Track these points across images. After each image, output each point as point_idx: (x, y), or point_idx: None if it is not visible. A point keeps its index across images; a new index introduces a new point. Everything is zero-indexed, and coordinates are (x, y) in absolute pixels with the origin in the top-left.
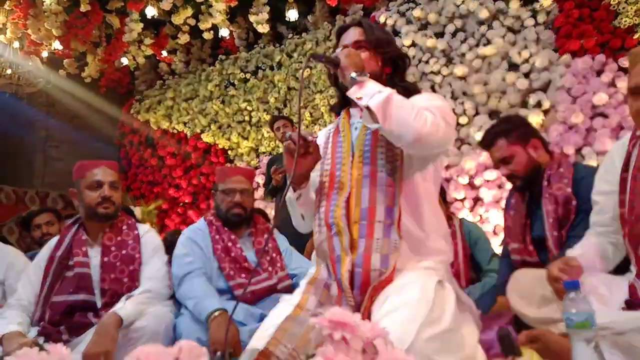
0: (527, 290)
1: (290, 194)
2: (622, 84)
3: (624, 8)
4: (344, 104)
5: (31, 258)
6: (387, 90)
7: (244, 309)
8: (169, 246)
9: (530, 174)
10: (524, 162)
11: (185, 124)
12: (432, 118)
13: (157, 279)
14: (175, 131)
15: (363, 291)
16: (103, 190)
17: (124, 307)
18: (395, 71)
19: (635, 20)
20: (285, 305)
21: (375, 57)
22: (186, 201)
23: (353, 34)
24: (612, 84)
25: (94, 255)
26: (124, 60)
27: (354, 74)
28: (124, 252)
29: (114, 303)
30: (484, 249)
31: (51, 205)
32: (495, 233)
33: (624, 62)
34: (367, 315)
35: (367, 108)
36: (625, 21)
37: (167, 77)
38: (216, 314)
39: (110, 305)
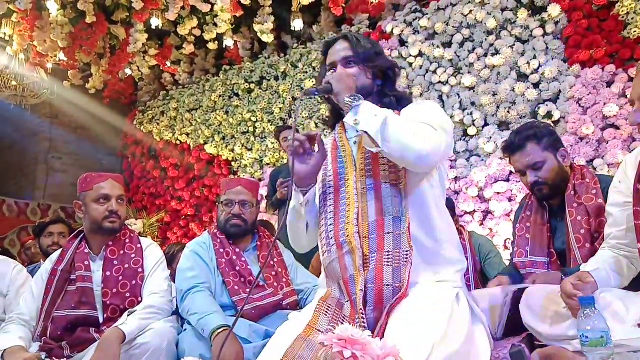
0: (540, 307)
1: (295, 202)
2: None
3: (632, 18)
4: (337, 117)
5: (32, 272)
6: (383, 114)
7: (247, 325)
8: (170, 260)
9: (559, 183)
10: (555, 169)
11: (188, 135)
12: (432, 134)
13: (159, 294)
14: (178, 142)
15: (377, 309)
16: (111, 204)
17: (126, 323)
18: (386, 82)
19: None
20: (296, 323)
21: (365, 71)
22: (188, 214)
23: (340, 49)
24: (623, 94)
25: (96, 270)
26: (128, 71)
27: (347, 99)
28: (126, 266)
29: (116, 318)
30: (495, 263)
31: (52, 217)
32: (506, 247)
33: (635, 72)
34: (382, 334)
35: (365, 133)
36: (635, 32)
37: (170, 87)
38: (220, 330)
39: (112, 321)
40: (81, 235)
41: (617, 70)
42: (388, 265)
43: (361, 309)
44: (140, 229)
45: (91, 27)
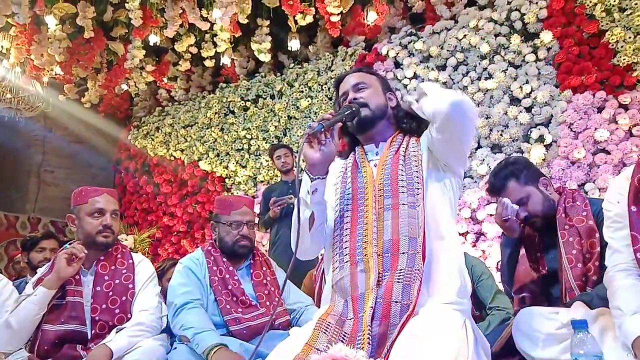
0: (532, 329)
1: (303, 193)
2: (623, 120)
3: (622, 47)
4: (353, 147)
5: (18, 287)
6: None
7: (238, 344)
8: (160, 275)
9: (548, 211)
10: (541, 200)
11: (182, 151)
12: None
13: (149, 311)
14: (172, 158)
15: (382, 323)
16: (105, 219)
17: (114, 340)
18: (399, 105)
19: (634, 58)
20: (294, 342)
21: (378, 92)
22: (180, 230)
23: (351, 79)
24: (613, 120)
25: (87, 284)
26: (124, 86)
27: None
28: (117, 281)
29: (104, 335)
30: (488, 285)
31: (41, 231)
32: (498, 269)
33: (624, 99)
34: (390, 350)
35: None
36: (624, 59)
37: (166, 103)
38: (216, 349)
39: (100, 337)
40: None
41: (607, 96)
42: (398, 282)
43: (368, 326)
44: (131, 244)
45: (89, 43)
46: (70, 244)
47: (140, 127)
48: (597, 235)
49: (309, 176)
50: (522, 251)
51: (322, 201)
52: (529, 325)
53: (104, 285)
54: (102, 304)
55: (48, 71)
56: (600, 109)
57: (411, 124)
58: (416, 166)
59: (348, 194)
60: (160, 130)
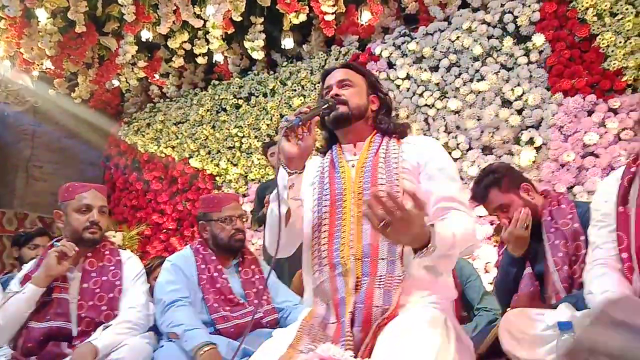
0: (519, 331)
1: (280, 187)
2: (612, 124)
3: (612, 51)
4: (332, 143)
5: (4, 283)
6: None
7: (226, 343)
8: (147, 272)
9: (532, 216)
10: (522, 206)
11: (173, 148)
12: (467, 217)
13: (137, 309)
14: (163, 155)
15: (364, 329)
16: (92, 215)
17: (100, 338)
18: (381, 109)
19: (624, 63)
20: (278, 343)
21: (360, 93)
22: (170, 227)
23: (337, 74)
24: (603, 124)
25: (73, 281)
26: (116, 82)
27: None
28: (104, 278)
29: (90, 332)
30: (476, 287)
31: (28, 227)
32: (486, 270)
33: (614, 103)
34: (368, 354)
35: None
36: (614, 64)
37: (157, 100)
38: (206, 348)
39: (85, 335)
40: None
41: (597, 100)
42: (379, 288)
43: (348, 331)
44: (119, 241)
45: (80, 37)
46: (59, 241)
47: (131, 123)
48: (583, 237)
49: (286, 171)
50: (525, 270)
51: (298, 197)
52: (516, 326)
53: (91, 282)
54: (88, 301)
55: (38, 65)
56: (590, 113)
57: (389, 124)
58: (396, 169)
59: (326, 196)
60: (151, 127)
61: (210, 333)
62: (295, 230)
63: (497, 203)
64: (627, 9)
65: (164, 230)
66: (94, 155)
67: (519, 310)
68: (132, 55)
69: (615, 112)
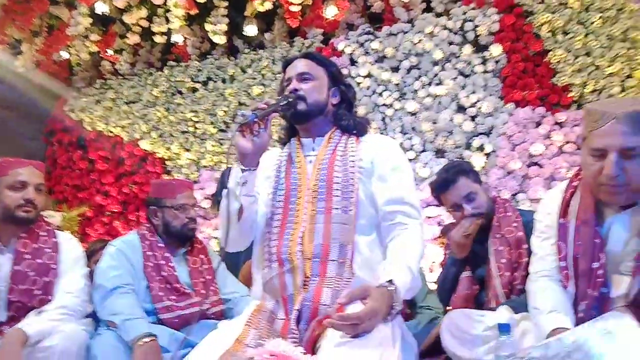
0: (460, 330)
1: (233, 180)
2: (557, 137)
3: (562, 67)
4: (292, 134)
5: None
6: (408, 273)
7: (168, 333)
8: (88, 256)
9: (489, 213)
10: (486, 199)
11: (123, 127)
12: (420, 231)
13: (74, 294)
14: (111, 134)
15: (310, 326)
16: (27, 192)
17: (31, 323)
18: (342, 103)
19: (572, 80)
20: (224, 336)
21: (321, 87)
22: (114, 210)
23: (298, 66)
24: (548, 136)
25: (4, 263)
26: (64, 54)
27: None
28: (39, 260)
29: (20, 319)
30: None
31: None
32: (431, 270)
33: (560, 117)
34: (311, 348)
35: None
36: (563, 79)
37: (109, 77)
38: (146, 339)
39: (16, 320)
40: None
41: (545, 112)
42: (328, 288)
43: (293, 328)
44: (58, 222)
45: (28, 2)
46: None
47: (79, 98)
48: (525, 246)
49: (240, 167)
50: (464, 274)
51: (252, 193)
52: (457, 326)
53: (24, 264)
54: (20, 285)
55: None
56: (538, 124)
57: (349, 120)
58: (352, 167)
59: (281, 191)
60: (100, 104)
61: (152, 323)
62: (247, 225)
63: (465, 191)
64: (577, 29)
65: (107, 213)
66: (35, 130)
67: (461, 310)
68: (85, 28)
69: (560, 125)
